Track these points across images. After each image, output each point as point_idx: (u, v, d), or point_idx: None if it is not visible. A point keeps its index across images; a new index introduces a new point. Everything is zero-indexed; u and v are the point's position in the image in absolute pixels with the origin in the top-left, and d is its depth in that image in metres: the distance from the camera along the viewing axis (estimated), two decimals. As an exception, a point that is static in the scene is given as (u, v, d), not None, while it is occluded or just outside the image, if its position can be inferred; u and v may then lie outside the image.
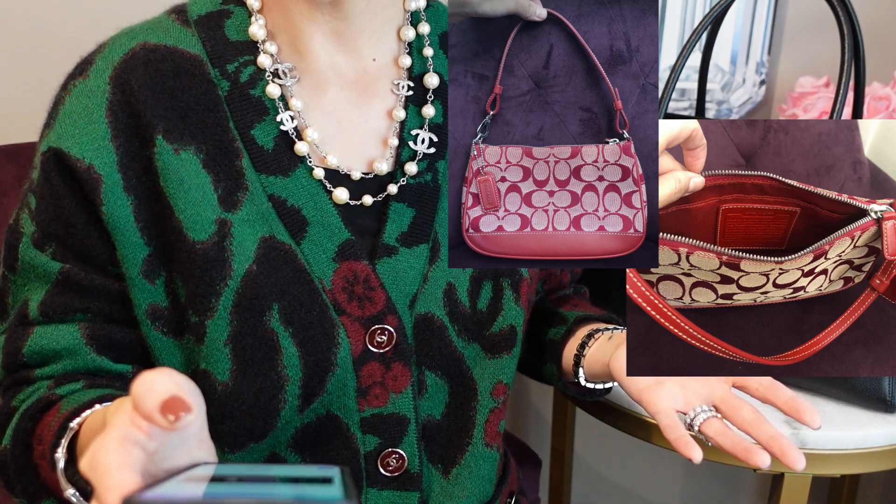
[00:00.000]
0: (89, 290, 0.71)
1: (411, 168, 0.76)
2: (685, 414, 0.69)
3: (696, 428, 0.68)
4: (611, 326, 0.86)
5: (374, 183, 0.76)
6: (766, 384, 0.68)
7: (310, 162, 0.74)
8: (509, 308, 0.80)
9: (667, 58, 1.39)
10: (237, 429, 0.71)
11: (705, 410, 0.68)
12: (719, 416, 0.68)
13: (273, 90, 0.73)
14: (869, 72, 1.16)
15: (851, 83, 0.98)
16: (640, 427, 1.01)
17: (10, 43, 1.28)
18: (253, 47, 0.74)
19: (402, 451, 0.76)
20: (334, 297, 0.72)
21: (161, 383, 0.46)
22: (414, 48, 0.79)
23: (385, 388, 0.74)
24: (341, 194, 0.74)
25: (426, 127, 0.78)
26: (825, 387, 0.97)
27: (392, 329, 0.74)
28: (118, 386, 0.72)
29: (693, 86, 1.38)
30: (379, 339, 0.73)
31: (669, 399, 0.69)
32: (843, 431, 0.93)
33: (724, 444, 0.66)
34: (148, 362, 0.74)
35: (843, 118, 0.97)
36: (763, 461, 0.64)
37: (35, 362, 0.72)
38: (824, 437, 0.93)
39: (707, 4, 1.36)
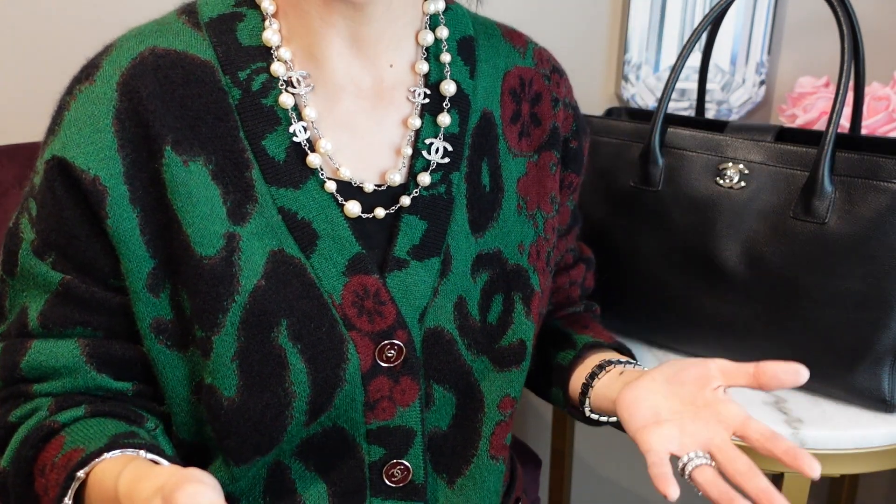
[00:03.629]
0: (89, 303, 0.70)
1: (424, 179, 0.74)
2: (678, 458, 0.67)
3: (688, 473, 0.65)
4: (623, 360, 0.83)
5: (386, 195, 0.74)
6: (766, 434, 0.66)
7: (322, 174, 0.72)
8: (520, 322, 0.79)
9: (667, 58, 1.39)
10: (243, 444, 0.70)
11: (700, 456, 0.65)
12: (713, 463, 0.65)
13: (286, 100, 0.71)
14: (869, 72, 1.15)
15: (851, 83, 0.98)
16: (640, 427, 1.00)
17: (11, 43, 1.28)
18: (266, 53, 0.72)
19: (407, 463, 0.75)
20: (344, 312, 0.71)
21: (203, 497, 0.48)
22: (431, 54, 0.77)
23: (392, 402, 0.73)
24: (353, 208, 0.72)
25: (441, 136, 0.76)
26: (825, 387, 0.97)
27: (402, 344, 0.72)
28: (120, 411, 0.71)
29: (693, 86, 1.38)
30: (388, 354, 0.72)
31: (665, 440, 0.66)
32: (843, 431, 0.93)
33: (711, 493, 0.63)
34: (149, 377, 0.72)
35: (842, 118, 0.97)
36: None
37: (33, 377, 0.71)
38: (824, 437, 0.92)
39: (707, 4, 1.36)
